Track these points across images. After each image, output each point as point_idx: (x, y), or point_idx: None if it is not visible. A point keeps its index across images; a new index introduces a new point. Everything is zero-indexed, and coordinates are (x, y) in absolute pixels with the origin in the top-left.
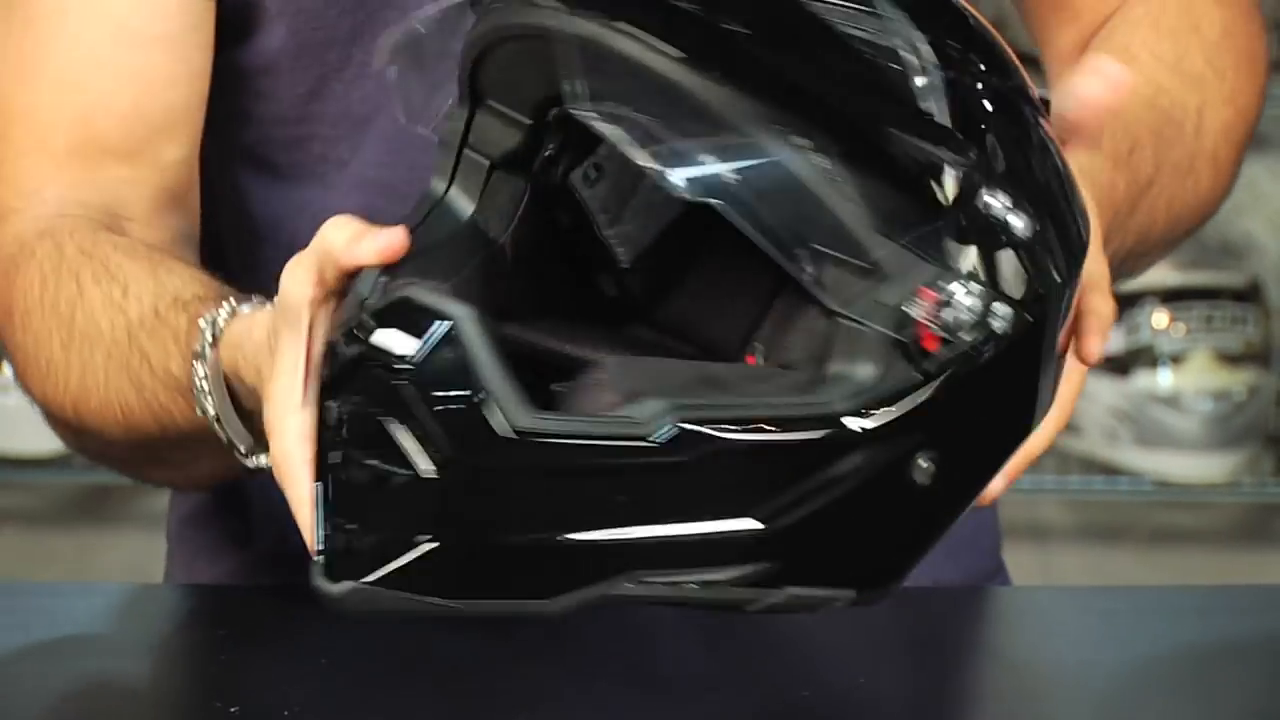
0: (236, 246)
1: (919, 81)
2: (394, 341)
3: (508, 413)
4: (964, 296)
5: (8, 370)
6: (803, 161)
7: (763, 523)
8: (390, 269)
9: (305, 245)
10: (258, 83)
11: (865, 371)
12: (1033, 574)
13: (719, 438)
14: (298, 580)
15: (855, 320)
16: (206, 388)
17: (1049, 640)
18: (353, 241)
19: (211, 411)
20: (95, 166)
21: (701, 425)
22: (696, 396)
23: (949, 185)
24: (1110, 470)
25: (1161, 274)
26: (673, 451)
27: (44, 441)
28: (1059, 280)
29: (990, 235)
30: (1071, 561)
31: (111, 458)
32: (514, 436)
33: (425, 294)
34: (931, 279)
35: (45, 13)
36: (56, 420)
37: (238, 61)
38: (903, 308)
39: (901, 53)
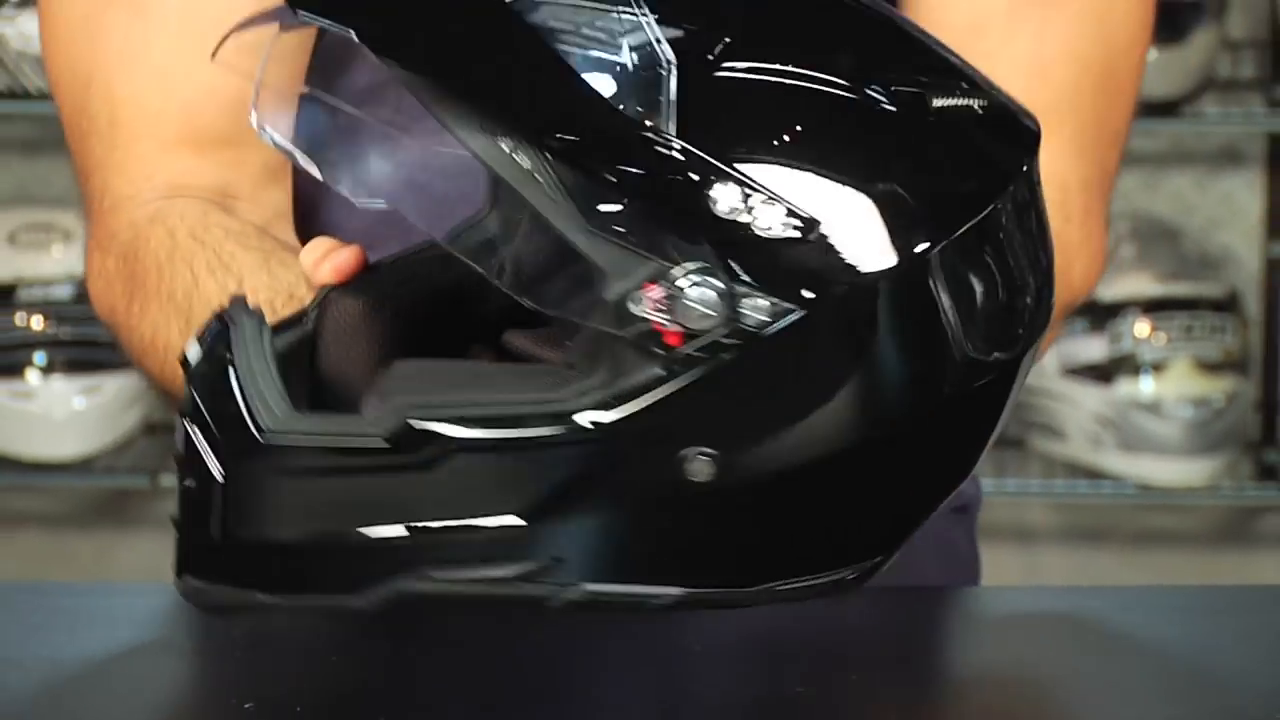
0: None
1: (627, 64)
2: (189, 347)
3: (258, 416)
4: (694, 290)
5: (32, 378)
6: (506, 162)
7: (524, 519)
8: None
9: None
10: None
11: (605, 368)
12: (1019, 575)
13: (450, 436)
14: None
15: (576, 319)
16: None
17: (1034, 638)
18: (318, 262)
19: None
20: (202, 152)
21: (431, 424)
22: (442, 396)
23: (679, 181)
24: (1094, 474)
25: (1143, 285)
26: (404, 450)
27: (65, 447)
28: (863, 275)
29: (734, 230)
30: (1057, 563)
31: None
32: (263, 441)
33: (233, 302)
34: (655, 274)
35: (150, 6)
36: (175, 400)
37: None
38: (627, 304)
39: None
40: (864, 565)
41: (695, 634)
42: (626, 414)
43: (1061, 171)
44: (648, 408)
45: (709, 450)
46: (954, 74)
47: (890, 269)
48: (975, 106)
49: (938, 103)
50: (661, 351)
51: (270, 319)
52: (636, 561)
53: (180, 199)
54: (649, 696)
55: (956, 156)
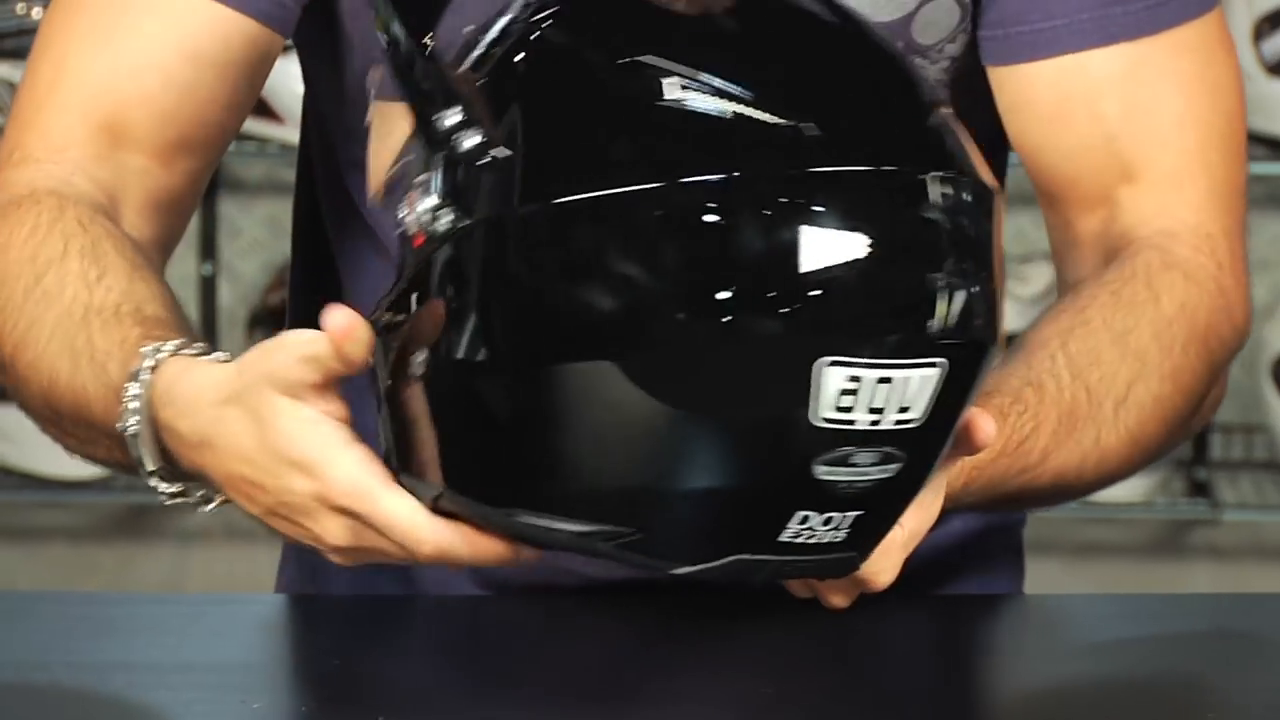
0: (343, 251)
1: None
2: None
3: None
4: (421, 200)
5: None
6: None
7: None
8: None
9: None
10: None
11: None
12: None
13: None
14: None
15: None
16: (134, 407)
17: (983, 643)
18: (346, 334)
19: (132, 429)
20: (118, 148)
21: None
22: None
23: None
24: None
25: None
26: None
27: (87, 465)
28: (516, 206)
29: (446, 150)
30: None
31: (23, 404)
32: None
33: None
34: (414, 186)
35: (137, 4)
36: None
37: (343, 83)
38: (398, 210)
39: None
40: (616, 530)
41: (700, 633)
42: (384, 312)
43: (1205, 223)
44: (392, 305)
45: (426, 354)
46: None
47: (521, 211)
48: (708, 109)
49: (672, 94)
50: (410, 254)
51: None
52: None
53: (81, 187)
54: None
55: (631, 134)
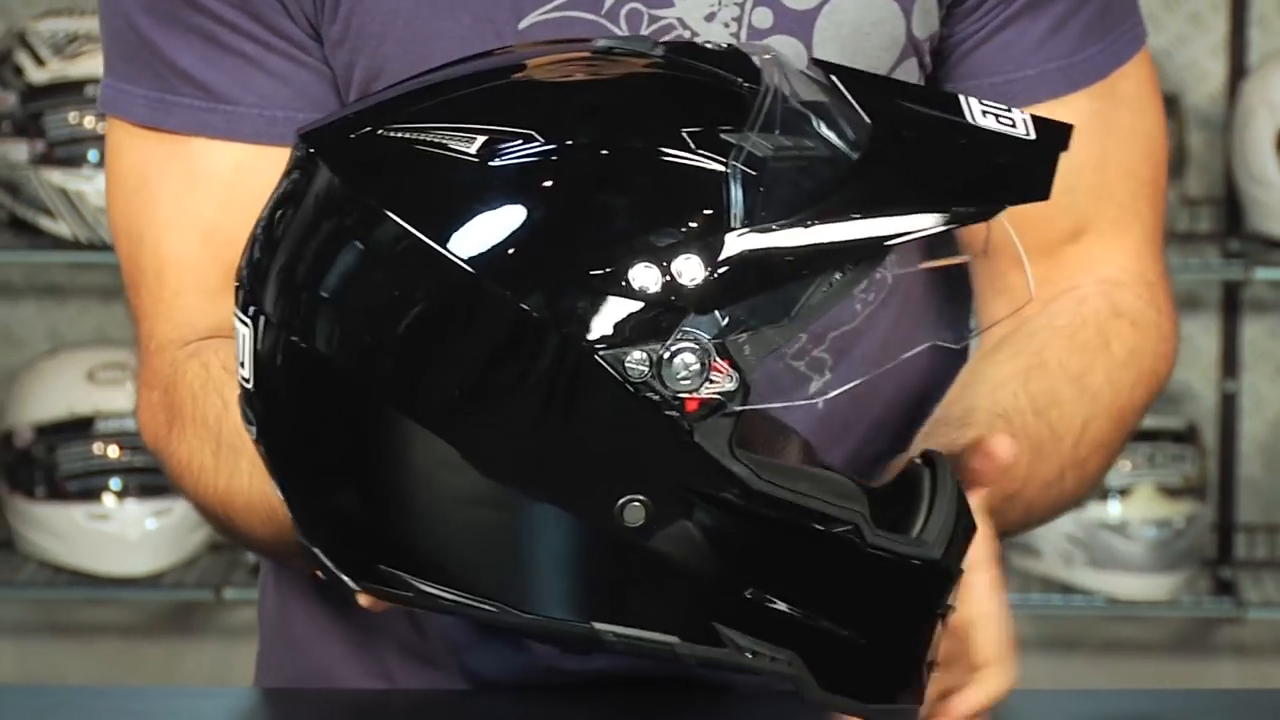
0: None
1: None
2: None
3: None
4: None
5: (108, 501)
6: None
7: None
8: None
9: None
10: None
11: None
12: None
13: None
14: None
15: None
16: None
17: None
18: None
19: None
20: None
21: None
22: None
23: None
24: (1067, 588)
25: None
26: None
27: (137, 564)
28: None
29: None
30: (1034, 668)
31: (255, 546)
32: None
33: None
34: None
35: (204, 176)
36: (209, 516)
37: None
38: None
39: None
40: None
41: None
42: None
43: (1145, 271)
44: None
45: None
46: None
47: None
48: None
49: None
50: None
51: None
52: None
53: (217, 339)
54: None
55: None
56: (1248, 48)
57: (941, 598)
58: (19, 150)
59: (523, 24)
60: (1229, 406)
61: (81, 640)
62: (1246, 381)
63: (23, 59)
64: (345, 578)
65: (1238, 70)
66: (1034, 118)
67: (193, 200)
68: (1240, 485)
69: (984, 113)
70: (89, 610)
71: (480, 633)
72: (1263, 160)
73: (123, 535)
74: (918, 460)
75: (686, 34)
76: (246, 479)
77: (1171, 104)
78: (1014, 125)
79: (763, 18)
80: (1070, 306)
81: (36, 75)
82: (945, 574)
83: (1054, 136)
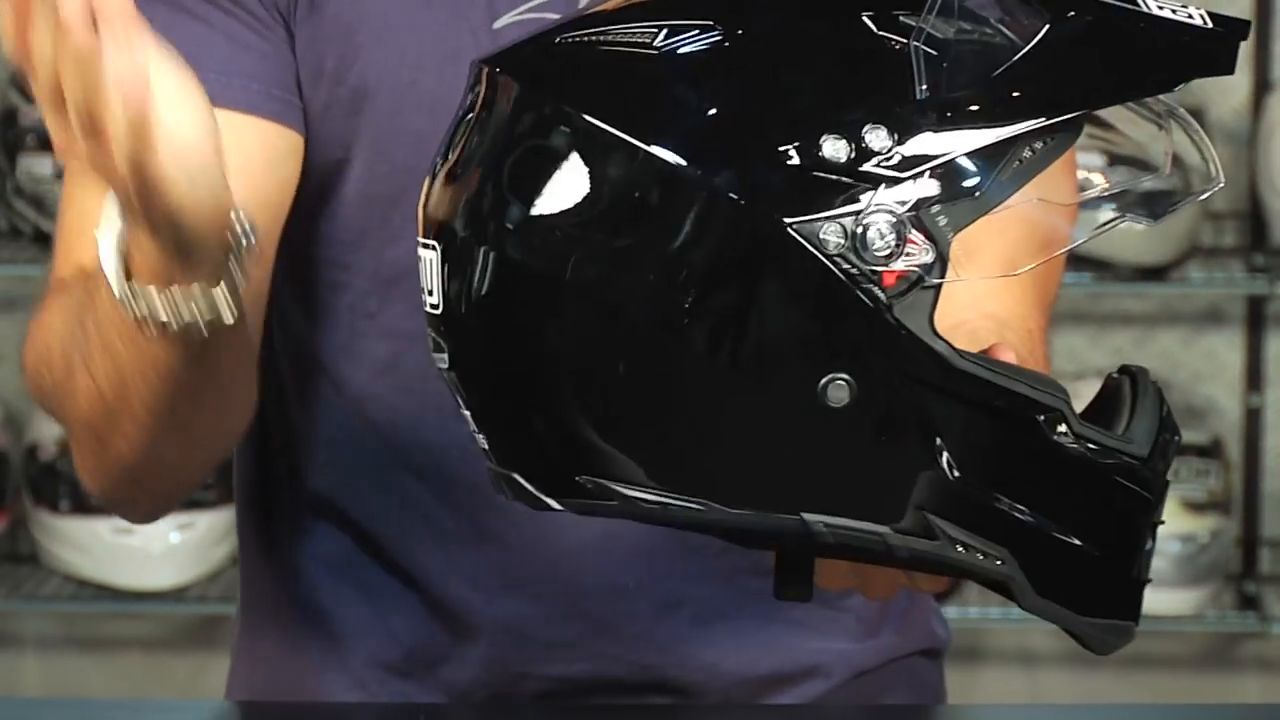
0: (292, 380)
1: None
2: None
3: None
4: None
5: None
6: None
7: None
8: None
9: (349, 388)
10: (319, 224)
11: None
12: (1024, 695)
13: None
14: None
15: None
16: (111, 216)
17: None
18: None
19: (105, 238)
20: None
21: None
22: None
23: None
24: None
25: None
26: None
27: (162, 578)
28: None
29: None
30: (1058, 683)
31: (67, 396)
32: None
33: None
34: None
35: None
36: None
37: (311, 202)
38: None
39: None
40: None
41: None
42: None
43: (1026, 317)
44: None
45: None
46: None
47: None
48: None
49: None
50: None
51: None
52: None
53: None
54: None
55: None
56: (1272, 62)
57: (1151, 508)
58: (44, 164)
59: (498, 24)
60: (1253, 421)
61: (105, 654)
62: (1271, 396)
63: None
64: (546, 497)
65: (1262, 84)
66: (1209, 14)
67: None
68: (1265, 500)
69: (1160, 6)
70: (113, 624)
71: (454, 644)
72: None
73: (147, 549)
74: (1115, 374)
75: None
76: (62, 321)
77: (1196, 118)
78: (1191, 17)
79: None
80: (964, 337)
81: None
82: (1153, 480)
83: (1233, 27)
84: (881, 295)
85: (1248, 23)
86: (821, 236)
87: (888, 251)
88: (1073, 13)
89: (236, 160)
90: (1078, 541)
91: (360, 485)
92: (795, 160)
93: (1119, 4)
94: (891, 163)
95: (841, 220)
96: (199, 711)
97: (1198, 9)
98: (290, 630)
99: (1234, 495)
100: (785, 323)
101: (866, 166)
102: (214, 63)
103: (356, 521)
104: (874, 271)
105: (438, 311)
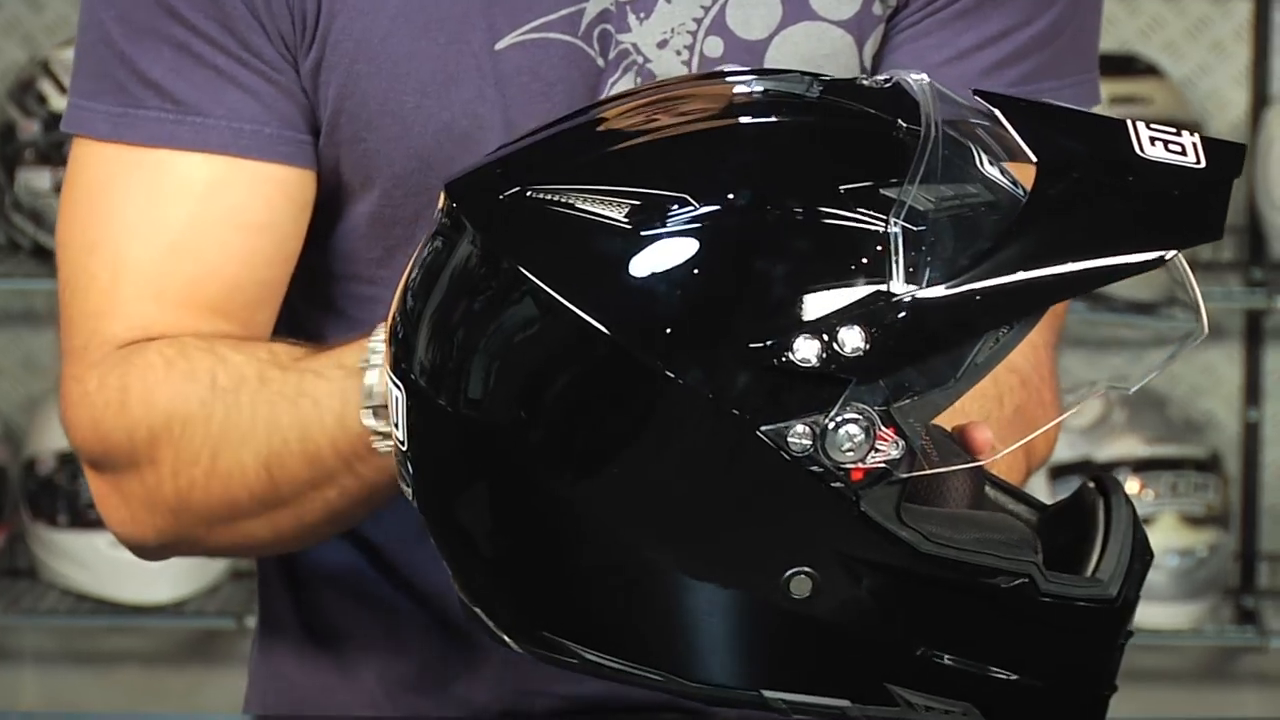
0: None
1: None
2: None
3: None
4: None
5: None
6: None
7: None
8: None
9: None
10: (344, 244)
11: None
12: None
13: None
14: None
15: None
16: (376, 348)
17: None
18: None
19: (373, 362)
20: (199, 319)
21: None
22: None
23: None
24: None
25: (1133, 447)
26: None
27: (160, 592)
28: None
29: None
30: None
31: (228, 515)
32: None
33: None
34: None
35: (172, 188)
36: (185, 481)
37: (333, 225)
38: None
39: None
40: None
41: None
42: None
43: (1034, 335)
44: None
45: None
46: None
47: None
48: None
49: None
50: None
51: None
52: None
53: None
54: None
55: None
56: (1270, 76)
57: (1120, 630)
58: (42, 178)
59: (499, 45)
60: (1252, 435)
61: (103, 668)
62: (1269, 410)
63: (46, 87)
64: (510, 641)
65: (1260, 99)
66: (1204, 140)
67: (160, 211)
68: (1263, 514)
69: (1152, 140)
70: (111, 638)
71: (468, 663)
72: None
73: (144, 563)
74: (1090, 484)
75: (640, 59)
76: (249, 412)
77: (1194, 132)
78: (1183, 152)
79: (714, 46)
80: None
81: (60, 103)
82: (1123, 608)
83: (1225, 162)
84: (848, 492)
85: (1241, 150)
86: (789, 438)
87: (855, 451)
88: (1060, 163)
89: (253, 209)
90: (1041, 684)
91: None
92: (765, 360)
93: (1108, 145)
94: (864, 363)
95: (809, 421)
96: None
97: (1191, 135)
98: (305, 649)
99: (1232, 510)
100: (748, 519)
101: (838, 367)
102: (223, 111)
103: (369, 539)
104: (841, 468)
105: (404, 448)
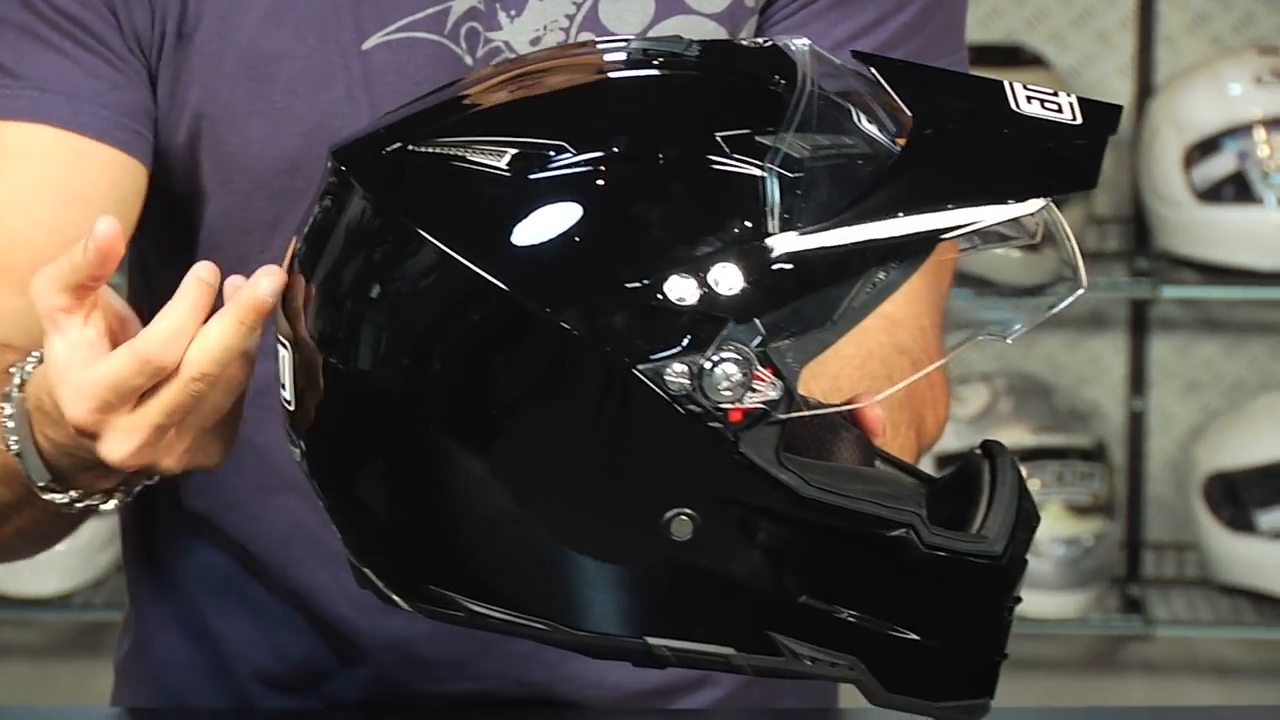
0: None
1: None
2: None
3: None
4: None
5: None
6: None
7: None
8: None
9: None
10: (200, 249)
11: None
12: None
13: None
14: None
15: None
16: (11, 425)
17: None
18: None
19: (14, 447)
20: (10, 287)
21: None
22: None
23: None
24: None
25: (1019, 436)
26: None
27: (47, 584)
28: None
29: None
30: None
31: None
32: None
33: None
34: None
35: (16, 157)
36: None
37: (190, 228)
38: None
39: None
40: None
41: None
42: None
43: (920, 315)
44: None
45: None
46: None
47: None
48: None
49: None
50: None
51: None
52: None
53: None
54: None
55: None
56: (1155, 67)
57: (1008, 593)
58: None
59: (366, 45)
60: (1137, 424)
61: None
62: (1154, 400)
63: None
64: (396, 598)
65: (1145, 89)
66: (1081, 100)
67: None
68: (1148, 503)
69: (1029, 99)
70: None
71: (340, 662)
72: (1170, 179)
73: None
74: (977, 451)
75: (512, 57)
76: None
77: None
78: (1060, 110)
79: None
80: (855, 336)
81: None
82: (1010, 568)
83: (1102, 120)
84: (727, 433)
85: (1118, 110)
86: (666, 377)
87: (733, 390)
88: (937, 118)
89: (76, 185)
90: (931, 641)
91: (244, 505)
92: (641, 300)
93: (985, 102)
94: (740, 303)
95: (687, 360)
96: (86, 718)
97: (1068, 96)
98: (175, 646)
99: (1118, 499)
100: (627, 460)
101: (714, 306)
102: (64, 86)
103: (237, 540)
104: (719, 408)
105: (290, 408)
